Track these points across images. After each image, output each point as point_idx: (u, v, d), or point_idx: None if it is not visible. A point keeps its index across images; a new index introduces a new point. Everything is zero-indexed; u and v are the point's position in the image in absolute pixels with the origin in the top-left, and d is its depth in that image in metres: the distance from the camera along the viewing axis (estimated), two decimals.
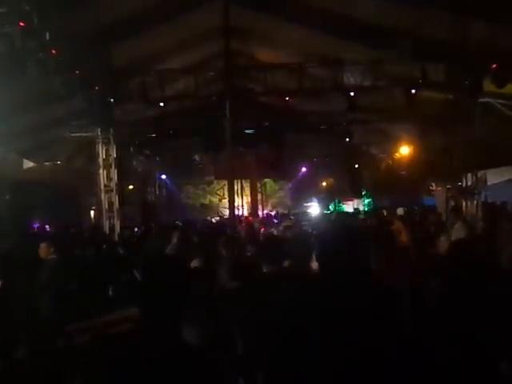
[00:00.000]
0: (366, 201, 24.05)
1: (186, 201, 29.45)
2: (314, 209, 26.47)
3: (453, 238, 7.14)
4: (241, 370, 3.67)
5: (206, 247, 8.01)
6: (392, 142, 20.22)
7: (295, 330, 2.31)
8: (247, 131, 17.37)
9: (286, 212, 24.66)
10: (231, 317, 3.77)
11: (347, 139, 19.74)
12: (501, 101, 12.45)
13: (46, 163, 16.34)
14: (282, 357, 2.30)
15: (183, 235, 8.40)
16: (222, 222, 18.39)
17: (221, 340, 3.50)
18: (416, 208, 17.82)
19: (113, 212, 14.60)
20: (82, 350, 5.76)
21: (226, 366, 3.22)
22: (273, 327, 2.58)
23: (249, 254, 6.64)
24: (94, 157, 14.67)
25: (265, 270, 4.25)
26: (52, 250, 6.78)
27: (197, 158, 24.67)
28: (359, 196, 24.52)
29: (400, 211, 14.64)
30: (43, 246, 6.79)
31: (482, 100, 12.27)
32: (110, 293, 9.77)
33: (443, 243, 6.90)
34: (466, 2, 8.74)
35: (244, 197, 27.01)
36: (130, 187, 21.36)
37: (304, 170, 26.72)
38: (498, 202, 13.20)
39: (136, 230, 15.84)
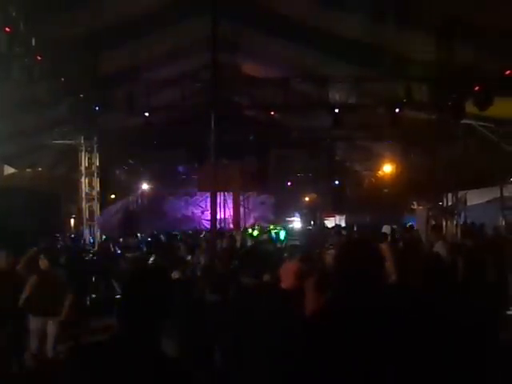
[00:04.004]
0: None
1: (168, 212, 29.21)
2: (296, 223, 26.54)
3: None
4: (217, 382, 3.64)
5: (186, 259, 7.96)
6: (375, 160, 20.38)
7: (275, 344, 2.29)
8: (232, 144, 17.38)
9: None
10: (210, 329, 3.74)
11: (331, 155, 19.87)
12: (482, 123, 12.64)
13: (28, 170, 16.14)
14: (260, 370, 2.29)
15: (165, 247, 8.37)
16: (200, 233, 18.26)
17: (199, 352, 3.46)
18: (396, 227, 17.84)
19: (93, 221, 14.48)
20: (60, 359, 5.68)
21: (202, 379, 3.18)
22: (253, 341, 2.56)
23: (232, 267, 6.62)
24: (76, 165, 14.55)
25: (245, 283, 4.22)
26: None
27: (181, 169, 24.58)
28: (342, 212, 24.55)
29: (386, 229, 14.58)
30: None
31: (464, 121, 12.44)
32: (88, 302, 9.67)
33: None
34: (452, 25, 8.90)
35: (227, 209, 26.89)
36: (112, 196, 21.18)
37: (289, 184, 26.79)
38: (477, 224, 13.33)
39: (121, 240, 15.65)
